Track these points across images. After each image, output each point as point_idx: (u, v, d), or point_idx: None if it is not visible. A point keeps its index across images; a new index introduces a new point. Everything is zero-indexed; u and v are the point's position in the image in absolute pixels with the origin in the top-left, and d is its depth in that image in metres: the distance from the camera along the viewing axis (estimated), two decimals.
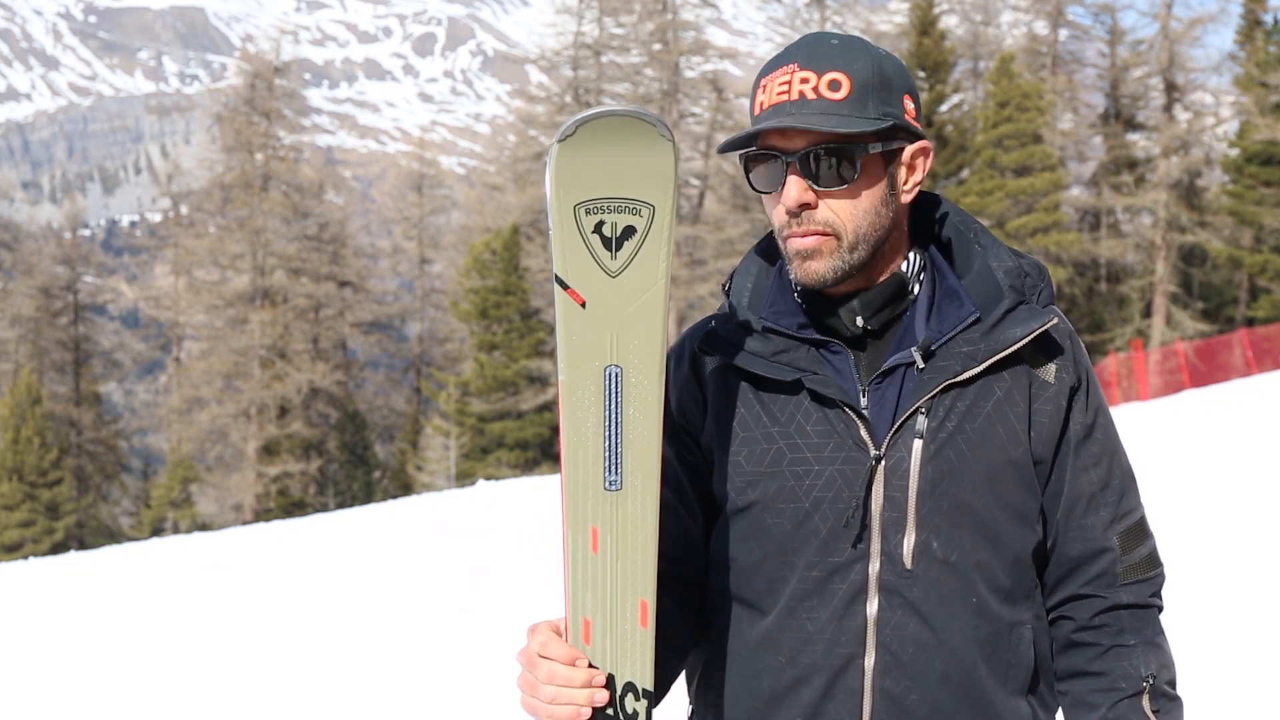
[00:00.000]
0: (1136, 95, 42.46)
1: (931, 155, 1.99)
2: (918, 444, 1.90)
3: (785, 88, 1.91)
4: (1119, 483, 1.99)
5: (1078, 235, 39.20)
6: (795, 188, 1.90)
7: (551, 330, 42.63)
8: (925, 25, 40.30)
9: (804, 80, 1.91)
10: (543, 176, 47.98)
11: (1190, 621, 6.90)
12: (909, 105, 1.95)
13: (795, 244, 1.93)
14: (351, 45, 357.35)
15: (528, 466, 40.34)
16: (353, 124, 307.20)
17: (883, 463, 1.91)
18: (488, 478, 33.71)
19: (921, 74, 40.16)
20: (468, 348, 44.90)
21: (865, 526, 1.91)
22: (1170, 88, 41.15)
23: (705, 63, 44.96)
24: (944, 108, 40.93)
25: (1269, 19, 41.29)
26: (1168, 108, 41.27)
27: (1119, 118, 41.96)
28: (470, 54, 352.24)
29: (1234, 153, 40.02)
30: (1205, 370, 28.84)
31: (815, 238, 1.92)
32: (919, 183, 1.98)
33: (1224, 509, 10.43)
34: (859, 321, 1.96)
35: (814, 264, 1.93)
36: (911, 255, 2.01)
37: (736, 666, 1.98)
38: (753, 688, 1.97)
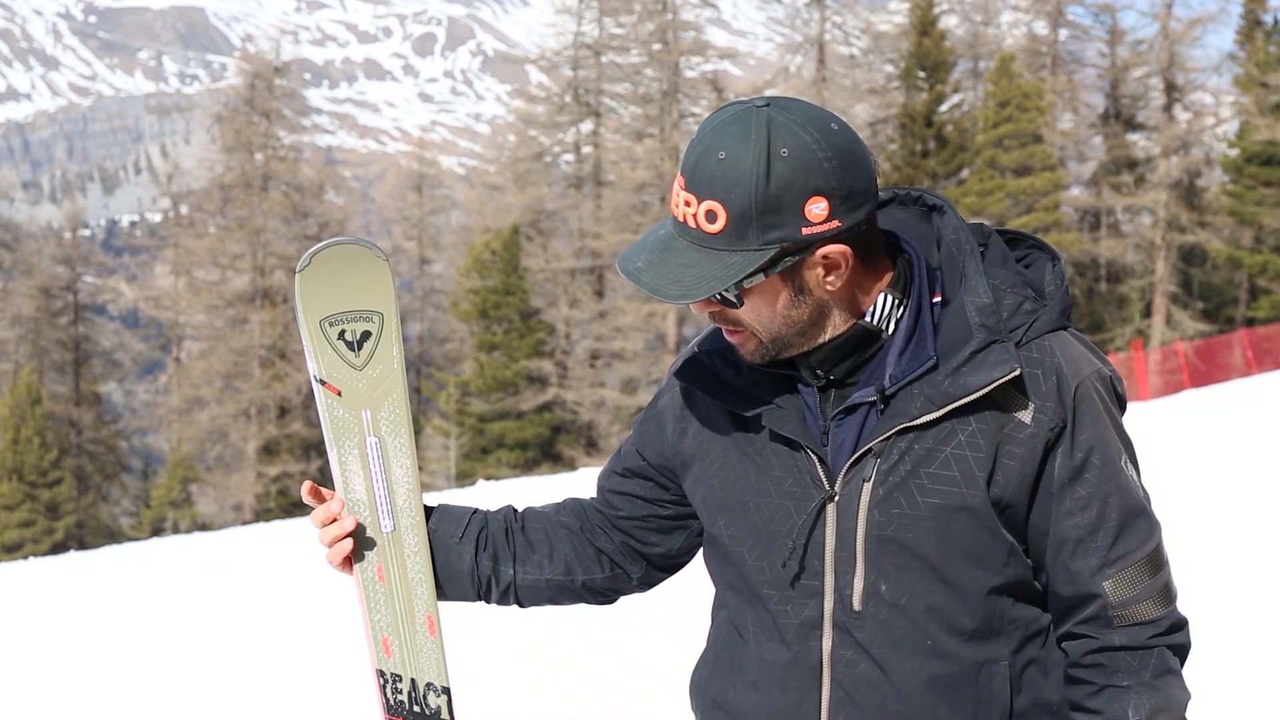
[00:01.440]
0: (1136, 95, 42.45)
1: (851, 258, 1.85)
2: (866, 486, 1.88)
3: (677, 200, 1.86)
4: (1113, 525, 1.89)
5: (1078, 235, 39.20)
6: (695, 304, 1.88)
7: (551, 330, 42.67)
8: (925, 25, 40.28)
9: (687, 203, 1.84)
10: (542, 177, 47.70)
11: (1191, 622, 6.89)
12: (814, 210, 1.79)
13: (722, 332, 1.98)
14: (351, 45, 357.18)
15: (528, 466, 40.33)
16: (353, 124, 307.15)
17: (836, 499, 1.90)
18: (488, 478, 33.70)
19: (921, 74, 40.13)
20: (468, 348, 44.88)
21: (809, 565, 1.91)
22: (1170, 88, 41.15)
23: (705, 63, 44.92)
24: (944, 108, 40.91)
25: (1269, 19, 41.31)
26: (1168, 108, 41.26)
27: (1119, 118, 41.95)
28: (470, 54, 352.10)
29: (1234, 153, 40.02)
30: (1205, 370, 28.84)
31: (732, 334, 1.93)
32: (845, 274, 1.86)
33: (1224, 509, 10.43)
34: (819, 373, 1.94)
35: (742, 351, 1.95)
36: (882, 298, 1.91)
37: (718, 674, 2.05)
38: (723, 698, 2.02)
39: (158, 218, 59.47)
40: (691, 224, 1.83)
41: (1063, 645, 1.95)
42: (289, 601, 11.08)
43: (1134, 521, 1.91)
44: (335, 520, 2.14)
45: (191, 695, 8.09)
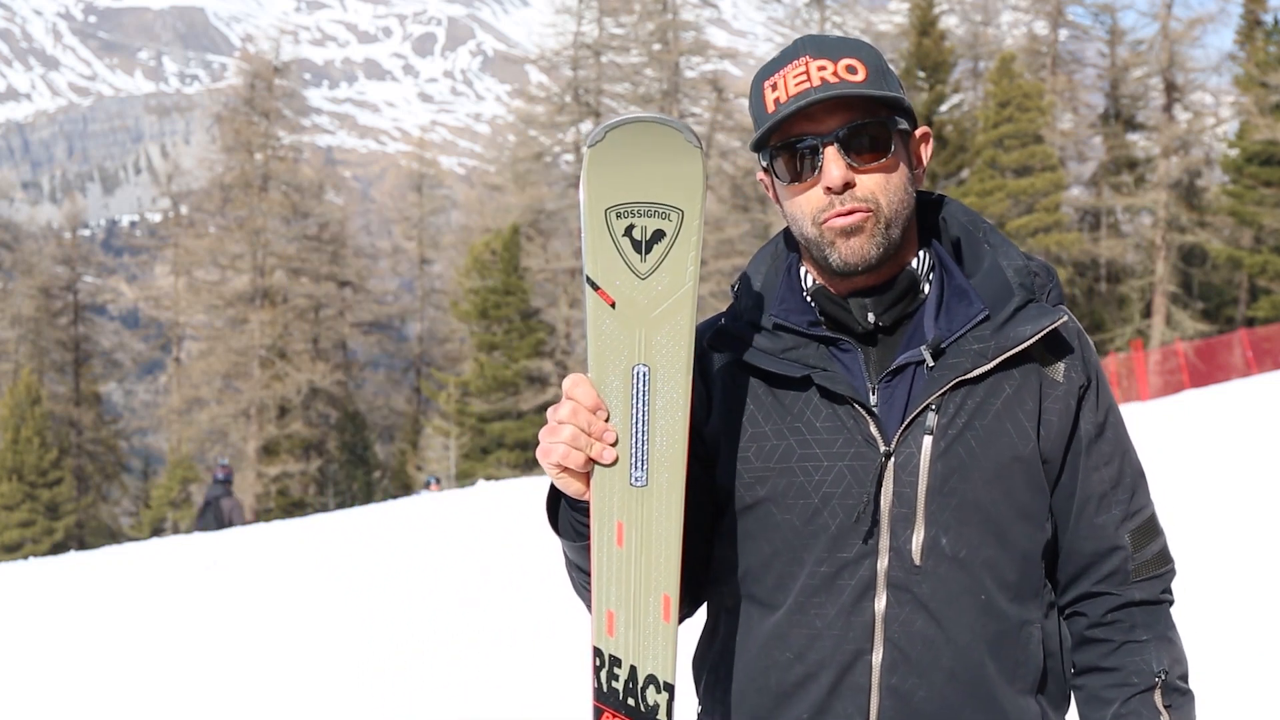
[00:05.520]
0: (1136, 95, 42.46)
1: (932, 142, 2.03)
2: (928, 440, 1.91)
3: (803, 77, 1.91)
4: (1130, 481, 2.01)
5: (1078, 235, 39.20)
6: (837, 166, 1.91)
7: (551, 330, 42.65)
8: (925, 25, 40.31)
9: (821, 68, 1.92)
10: (542, 177, 47.49)
11: (1191, 621, 6.89)
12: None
13: (837, 223, 1.93)
14: (351, 45, 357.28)
15: (528, 466, 40.33)
16: (353, 124, 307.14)
17: (893, 459, 1.92)
18: (488, 478, 33.71)
19: (921, 74, 40.15)
20: (468, 348, 44.90)
21: (875, 523, 1.92)
22: (1170, 88, 41.16)
23: (705, 63, 44.97)
24: (944, 108, 40.94)
25: (1269, 19, 41.30)
26: (1168, 108, 41.27)
27: (1119, 118, 41.96)
28: (470, 54, 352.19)
29: (1234, 153, 40.02)
30: (1205, 370, 28.84)
31: (858, 215, 1.93)
32: (924, 169, 2.03)
33: (1224, 509, 10.44)
34: (870, 318, 1.97)
35: (857, 240, 1.93)
36: (921, 254, 2.02)
37: (744, 663, 1.99)
38: (760, 684, 1.97)
39: (158, 218, 59.48)
40: (833, 79, 1.92)
41: (1079, 607, 2.01)
42: (289, 601, 11.09)
43: (1141, 481, 2.04)
44: (595, 411, 1.83)
45: (191, 695, 8.09)
